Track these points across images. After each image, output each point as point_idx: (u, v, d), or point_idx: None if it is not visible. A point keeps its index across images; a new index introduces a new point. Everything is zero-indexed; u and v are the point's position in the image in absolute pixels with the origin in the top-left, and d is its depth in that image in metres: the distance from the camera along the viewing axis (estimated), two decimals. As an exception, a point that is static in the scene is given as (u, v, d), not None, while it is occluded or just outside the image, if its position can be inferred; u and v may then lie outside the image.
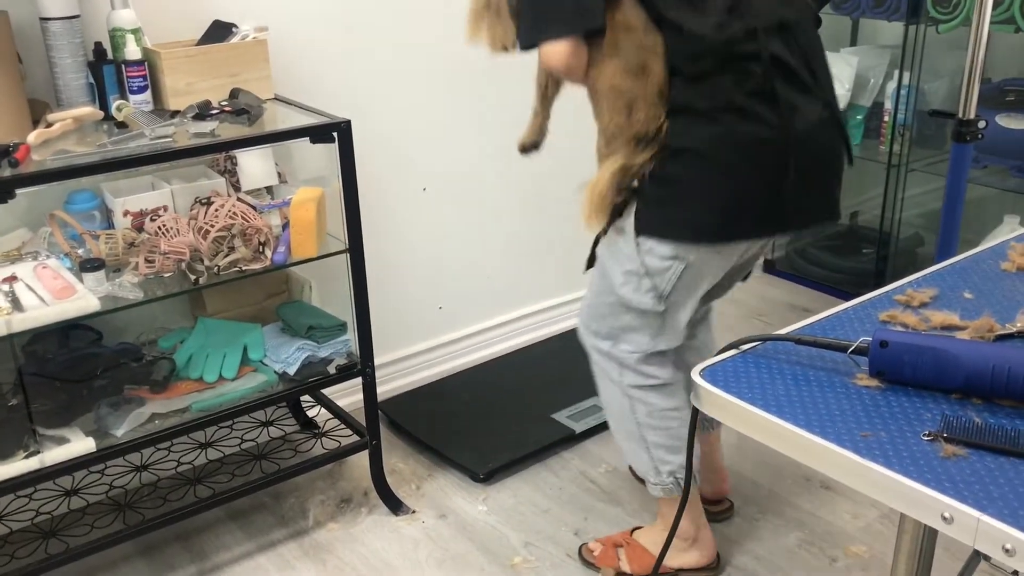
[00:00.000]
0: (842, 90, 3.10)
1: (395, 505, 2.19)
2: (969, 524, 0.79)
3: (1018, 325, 1.06)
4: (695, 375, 1.01)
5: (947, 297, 1.17)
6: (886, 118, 3.07)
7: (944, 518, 0.81)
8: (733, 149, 1.58)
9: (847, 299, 3.39)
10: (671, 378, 1.84)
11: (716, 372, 1.01)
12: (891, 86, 3.03)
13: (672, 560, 1.94)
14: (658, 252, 1.67)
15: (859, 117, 3.17)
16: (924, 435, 0.89)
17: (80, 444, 1.78)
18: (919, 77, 2.95)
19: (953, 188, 2.38)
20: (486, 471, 2.27)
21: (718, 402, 0.97)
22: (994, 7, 2.38)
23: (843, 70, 3.08)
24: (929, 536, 1.08)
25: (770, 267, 3.49)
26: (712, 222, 1.62)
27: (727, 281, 1.87)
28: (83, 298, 1.72)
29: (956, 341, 0.98)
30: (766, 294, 3.31)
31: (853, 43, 3.31)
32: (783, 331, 1.08)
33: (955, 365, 0.94)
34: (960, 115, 2.29)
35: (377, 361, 2.13)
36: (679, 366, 1.87)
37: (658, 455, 1.86)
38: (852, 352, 1.00)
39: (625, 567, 1.98)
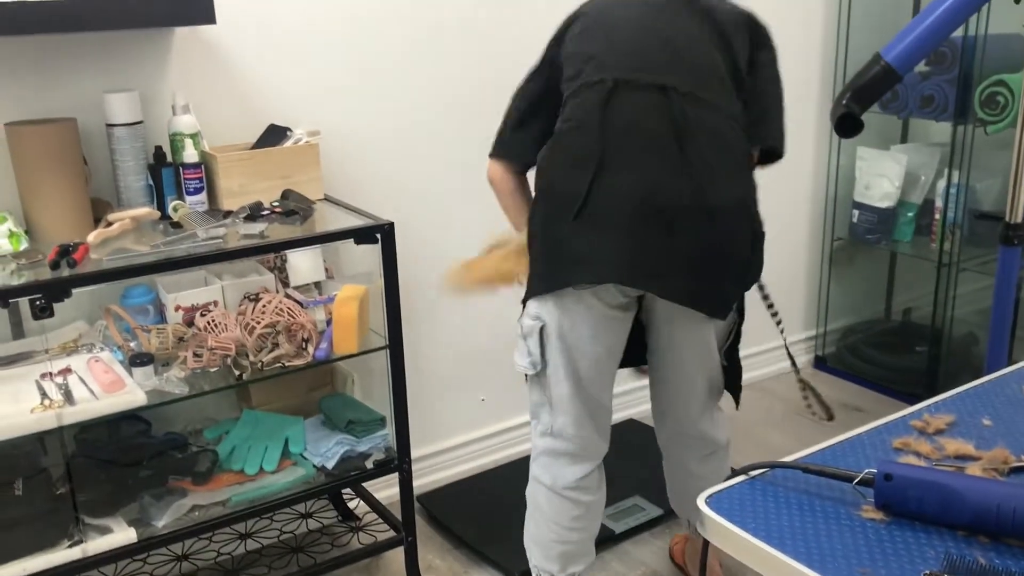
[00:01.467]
0: (891, 188, 3.10)
1: (430, 602, 2.20)
2: (962, 675, 0.78)
3: (1033, 458, 1.05)
4: (700, 502, 1.01)
5: (965, 423, 1.16)
6: (937, 216, 3.05)
7: (938, 666, 0.80)
8: (547, 200, 1.77)
9: (899, 398, 3.32)
10: (559, 480, 1.90)
11: (722, 500, 1.02)
12: (942, 184, 3.02)
13: None
14: (528, 312, 1.83)
15: (910, 215, 3.15)
16: (925, 574, 0.89)
17: (122, 534, 1.83)
18: (969, 176, 2.94)
19: (1002, 291, 2.35)
20: (522, 570, 2.26)
21: (721, 531, 0.98)
22: (1041, 111, 2.38)
23: (892, 168, 3.08)
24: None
25: (821, 363, 3.45)
26: (533, 274, 1.79)
27: (674, 365, 1.91)
28: (131, 392, 1.79)
29: (962, 477, 0.97)
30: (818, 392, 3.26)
31: (903, 140, 3.32)
32: (792, 457, 1.08)
33: (961, 502, 0.93)
34: (1007, 218, 2.28)
35: (418, 452, 2.15)
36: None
37: (531, 544, 1.98)
38: (858, 483, 1.00)
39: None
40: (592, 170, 1.68)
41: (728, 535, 0.97)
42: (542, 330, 1.81)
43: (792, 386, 3.27)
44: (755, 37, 1.81)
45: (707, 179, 1.67)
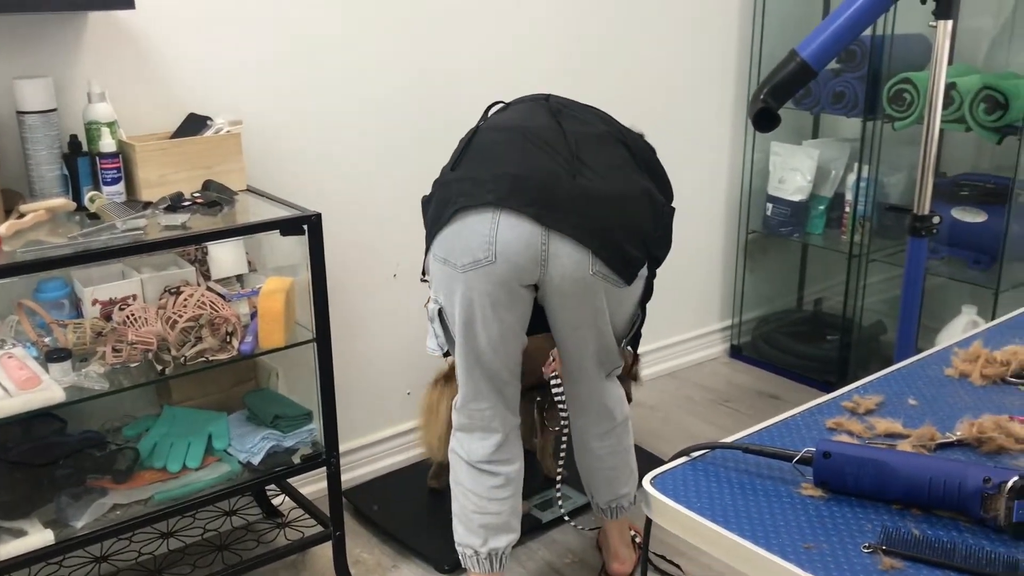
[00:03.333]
0: (804, 182, 3.19)
1: (358, 597, 2.17)
2: (904, 640, 0.81)
3: (957, 434, 1.10)
4: (646, 483, 1.03)
5: (892, 404, 1.20)
6: (847, 209, 3.15)
7: (881, 633, 0.83)
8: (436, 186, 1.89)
9: (812, 385, 3.40)
10: (474, 454, 1.95)
11: (666, 480, 1.04)
12: (852, 178, 3.12)
13: None
14: (431, 295, 1.90)
15: (821, 208, 3.25)
16: (864, 547, 0.92)
17: (38, 537, 1.76)
18: (878, 170, 3.05)
19: (910, 280, 2.44)
20: (451, 562, 2.26)
21: (667, 511, 1.00)
22: (945, 107, 2.48)
23: (804, 162, 3.17)
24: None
25: (736, 353, 3.54)
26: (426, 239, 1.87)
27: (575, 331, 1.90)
28: (48, 389, 1.73)
29: (896, 453, 1.01)
30: (733, 380, 3.35)
31: (815, 136, 3.42)
32: (731, 438, 1.11)
33: (895, 477, 0.97)
34: (915, 210, 2.37)
35: (344, 447, 2.13)
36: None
37: (456, 523, 1.99)
38: (797, 462, 1.03)
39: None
40: (468, 137, 1.86)
41: (674, 515, 0.99)
42: (441, 312, 1.87)
43: (713, 376, 3.36)
44: None
45: (586, 143, 1.80)
